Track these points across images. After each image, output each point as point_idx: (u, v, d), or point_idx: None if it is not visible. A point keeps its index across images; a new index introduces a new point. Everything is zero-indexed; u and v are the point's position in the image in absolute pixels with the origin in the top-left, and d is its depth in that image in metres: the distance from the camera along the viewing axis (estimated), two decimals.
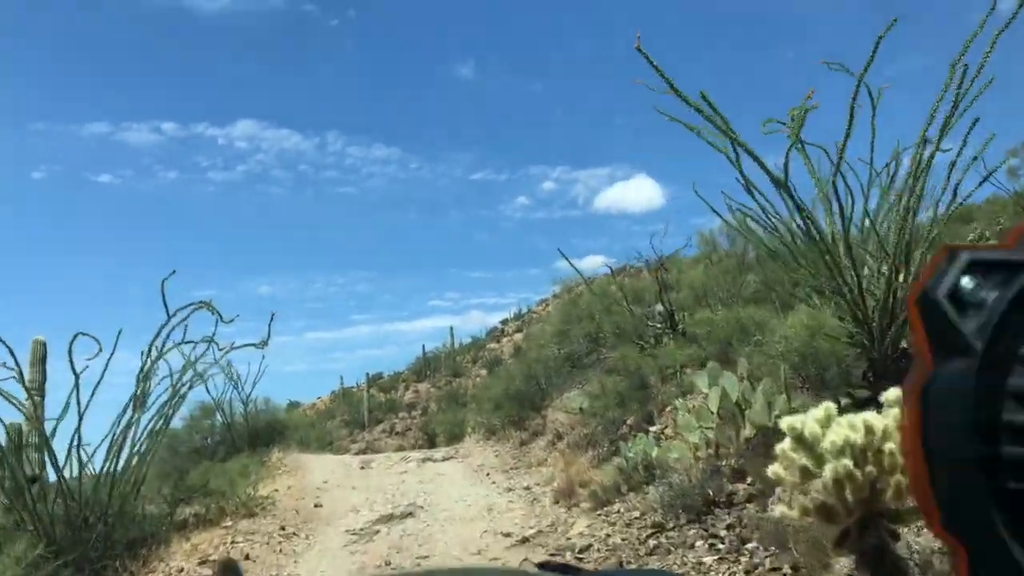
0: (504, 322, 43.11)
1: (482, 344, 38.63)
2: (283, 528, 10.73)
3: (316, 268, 63.80)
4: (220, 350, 10.90)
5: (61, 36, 57.95)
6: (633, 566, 6.97)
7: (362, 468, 17.17)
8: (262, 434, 18.74)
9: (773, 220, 10.28)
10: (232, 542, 9.80)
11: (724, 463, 7.89)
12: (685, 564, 6.80)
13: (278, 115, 68.75)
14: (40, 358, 12.40)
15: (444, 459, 17.49)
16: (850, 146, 8.58)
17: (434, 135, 67.98)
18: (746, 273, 12.92)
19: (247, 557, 8.98)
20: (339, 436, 29.43)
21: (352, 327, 60.02)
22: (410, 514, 11.31)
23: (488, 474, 14.80)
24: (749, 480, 7.46)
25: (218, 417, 18.90)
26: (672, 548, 7.09)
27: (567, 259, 15.34)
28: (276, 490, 14.14)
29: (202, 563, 8.84)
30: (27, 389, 10.29)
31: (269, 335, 11.45)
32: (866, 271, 6.81)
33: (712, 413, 8.24)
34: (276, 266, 65.94)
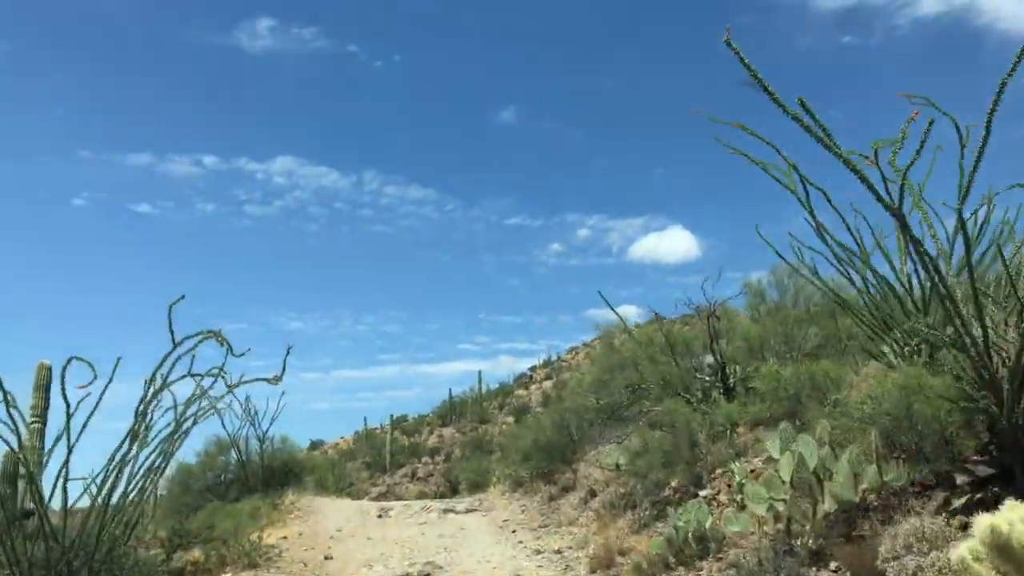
0: (533, 368, 41.83)
1: (510, 390, 37.29)
2: None
3: (346, 306, 62.84)
4: (228, 385, 9.73)
5: (110, 69, 58.20)
6: None
7: (380, 516, 15.86)
8: (277, 474, 17.52)
9: (845, 266, 9.11)
10: None
11: (799, 542, 6.55)
12: None
13: (317, 152, 68.51)
14: (44, 383, 11.32)
15: (467, 511, 16.13)
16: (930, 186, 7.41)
17: (471, 178, 67.33)
18: (807, 325, 11.62)
19: None
20: (359, 479, 28.15)
21: (379, 367, 58.87)
22: (428, 575, 9.98)
23: (514, 531, 13.43)
24: (834, 567, 6.11)
25: (233, 454, 17.72)
26: None
27: (608, 303, 14.13)
28: (285, 537, 12.86)
29: None
30: (13, 416, 9.16)
31: (284, 370, 10.29)
32: (988, 322, 5.51)
33: (784, 482, 6.92)
34: (307, 302, 65.07)
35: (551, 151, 63.15)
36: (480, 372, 42.10)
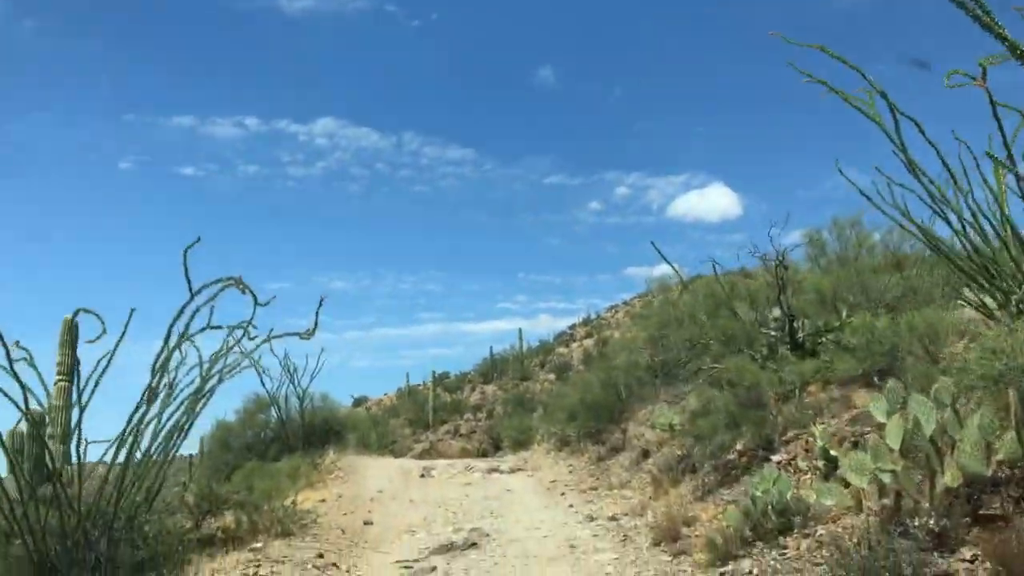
0: (572, 327, 40.70)
1: (551, 348, 36.22)
2: (321, 556, 8.49)
3: (388, 265, 62.08)
4: (251, 339, 8.70)
5: (152, 31, 57.36)
6: None
7: (422, 476, 14.94)
8: (318, 432, 16.66)
9: (940, 205, 7.81)
10: (255, 575, 7.59)
11: (916, 522, 5.37)
12: None
13: (357, 113, 67.34)
14: (70, 340, 10.44)
15: (512, 471, 15.16)
16: None
17: (510, 138, 65.78)
18: (886, 275, 10.29)
19: None
20: (402, 435, 27.40)
21: (421, 325, 58.15)
22: (474, 544, 8.98)
23: (563, 494, 12.40)
24: (971, 556, 4.93)
25: (273, 412, 16.88)
26: None
27: (661, 255, 12.91)
28: (323, 500, 11.96)
29: None
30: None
31: (316, 323, 9.25)
32: None
33: (892, 450, 5.72)
34: (350, 263, 64.49)
35: (590, 109, 61.37)
36: (520, 330, 41.09)
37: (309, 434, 16.45)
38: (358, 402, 38.24)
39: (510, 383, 31.41)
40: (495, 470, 15.11)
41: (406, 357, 69.83)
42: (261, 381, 16.41)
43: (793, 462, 8.41)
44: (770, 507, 7.02)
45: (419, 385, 35.55)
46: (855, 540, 5.62)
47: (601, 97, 59.52)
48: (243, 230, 58.29)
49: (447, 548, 8.91)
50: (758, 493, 7.13)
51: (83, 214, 56.59)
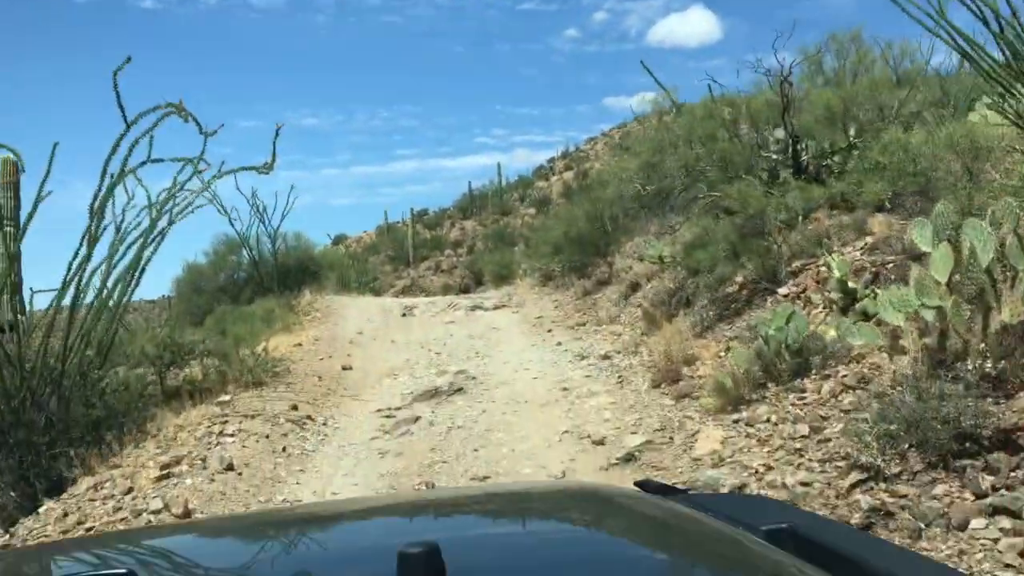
0: (551, 160, 39.30)
1: (530, 182, 35.05)
2: (295, 408, 7.75)
3: (360, 101, 59.74)
4: (198, 172, 7.56)
5: None
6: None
7: (404, 315, 14.20)
8: (293, 273, 15.74)
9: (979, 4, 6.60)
10: (221, 433, 6.81)
11: (970, 366, 4.58)
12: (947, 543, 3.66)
13: None
14: (13, 181, 9.25)
15: (496, 307, 14.43)
16: None
17: None
18: (901, 90, 9.15)
19: (229, 467, 5.99)
20: (383, 273, 26.70)
21: (397, 162, 56.55)
22: (460, 389, 8.28)
23: (550, 330, 11.71)
24: None
25: (244, 253, 15.87)
26: (906, 514, 3.90)
27: (654, 77, 11.67)
28: (299, 344, 11.19)
29: (160, 477, 5.88)
30: None
31: (274, 156, 8.10)
32: None
33: (939, 284, 4.85)
34: (320, 98, 61.89)
35: None
36: (499, 164, 39.53)
37: (284, 275, 15.53)
38: (337, 240, 37.44)
39: (490, 218, 30.47)
40: (479, 307, 14.37)
41: (384, 195, 68.49)
42: (229, 221, 15.31)
43: (803, 295, 7.61)
44: (783, 347, 6.25)
45: (398, 222, 34.53)
46: (896, 385, 4.85)
47: None
48: (205, 66, 55.13)
49: (432, 394, 8.20)
50: (771, 331, 6.32)
51: (32, 53, 53.04)
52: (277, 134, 7.93)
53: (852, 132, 9.51)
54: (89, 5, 51.32)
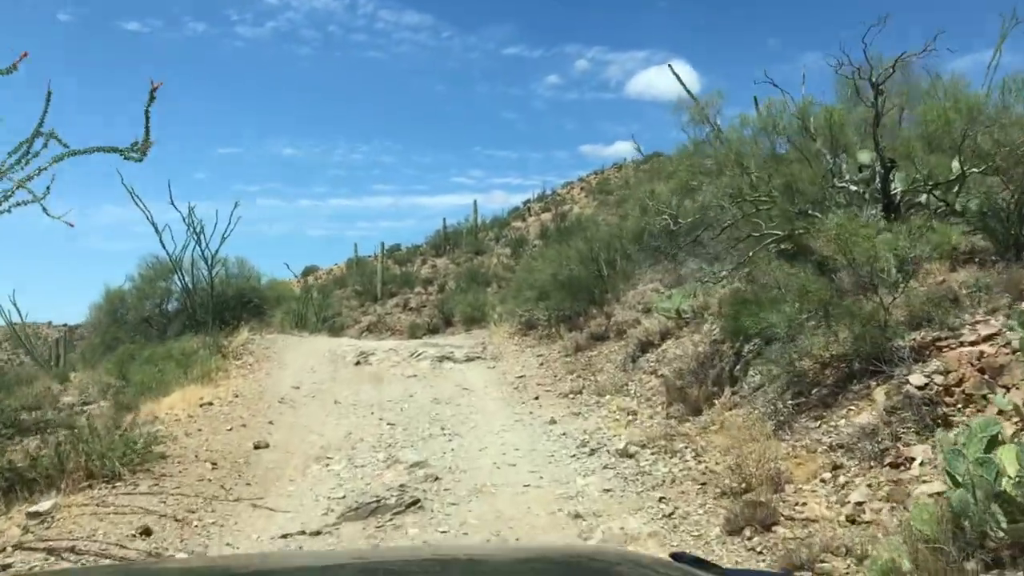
0: (527, 203, 36.36)
1: (506, 222, 32.02)
2: (145, 532, 4.46)
3: (340, 134, 56.42)
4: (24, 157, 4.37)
5: None
6: None
7: (358, 363, 10.96)
8: (231, 306, 12.44)
9: None
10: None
11: None
12: None
13: None
14: None
15: (468, 359, 11.25)
16: None
17: (469, 4, 59.17)
18: None
19: None
20: (348, 307, 23.42)
21: (374, 197, 53.30)
22: (415, 502, 5.08)
23: (537, 397, 8.56)
24: None
25: (176, 280, 12.54)
26: None
27: (679, 79, 8.80)
28: (209, 403, 7.91)
29: None
30: None
31: (148, 132, 4.91)
32: None
33: None
34: (301, 129, 58.62)
35: None
36: (475, 201, 36.40)
37: (221, 307, 12.23)
38: (307, 272, 34.34)
39: (463, 256, 27.36)
40: (447, 358, 11.17)
41: (359, 229, 65.01)
42: (159, 240, 12.01)
43: (956, 390, 4.57)
44: (995, 499, 3.18)
45: (369, 257, 31.27)
46: None
47: None
48: (191, 92, 51.88)
49: (372, 509, 4.98)
50: (971, 467, 3.25)
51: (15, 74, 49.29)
52: (152, 98, 4.77)
53: (959, 159, 6.57)
54: (73, 23, 47.88)
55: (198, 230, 12.07)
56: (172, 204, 12.03)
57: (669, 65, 8.92)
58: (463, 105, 56.13)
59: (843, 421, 5.09)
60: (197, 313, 12.09)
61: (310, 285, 26.27)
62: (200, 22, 51.86)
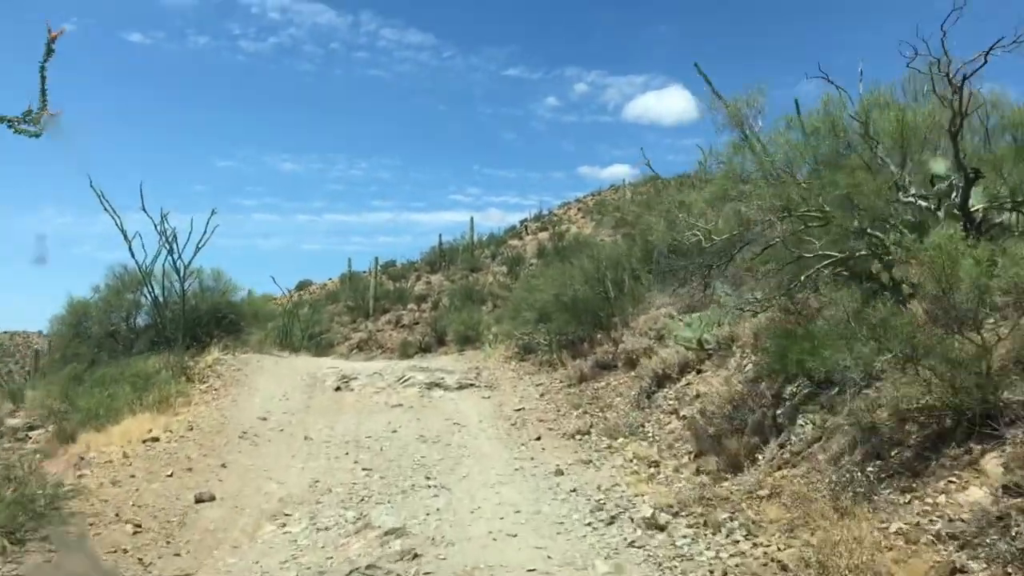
0: (524, 222, 35.13)
1: (502, 240, 30.76)
2: None
3: (340, 150, 55.37)
4: None
5: None
6: None
7: (338, 389, 9.64)
8: (204, 322, 11.09)
9: None
10: None
11: None
12: None
13: None
14: None
15: (460, 386, 9.93)
16: None
17: (471, 25, 58.35)
18: None
19: None
20: (340, 323, 22.11)
21: (372, 213, 52.13)
22: None
23: (539, 438, 7.25)
24: None
25: (146, 292, 11.17)
26: None
27: (706, 79, 7.60)
28: (155, 438, 6.56)
29: None
30: None
31: (44, 95, 3.72)
32: None
33: None
34: (300, 144, 57.53)
35: (555, 1, 54.43)
36: (472, 218, 35.09)
37: (192, 323, 10.89)
38: (301, 286, 33.20)
39: (458, 273, 26.07)
40: (437, 385, 9.85)
41: (355, 243, 63.87)
42: (129, 249, 10.68)
43: None
44: None
45: (363, 272, 29.94)
46: None
47: None
48: (191, 103, 50.76)
49: None
50: None
51: (19, 84, 48.17)
52: (49, 51, 3.52)
53: None
54: (74, 35, 46.68)
55: (170, 239, 10.76)
56: (144, 210, 10.73)
57: (695, 64, 7.66)
58: (463, 124, 55.23)
59: (943, 498, 3.81)
60: (167, 328, 10.74)
61: (303, 299, 24.95)
62: (203, 35, 50.76)
